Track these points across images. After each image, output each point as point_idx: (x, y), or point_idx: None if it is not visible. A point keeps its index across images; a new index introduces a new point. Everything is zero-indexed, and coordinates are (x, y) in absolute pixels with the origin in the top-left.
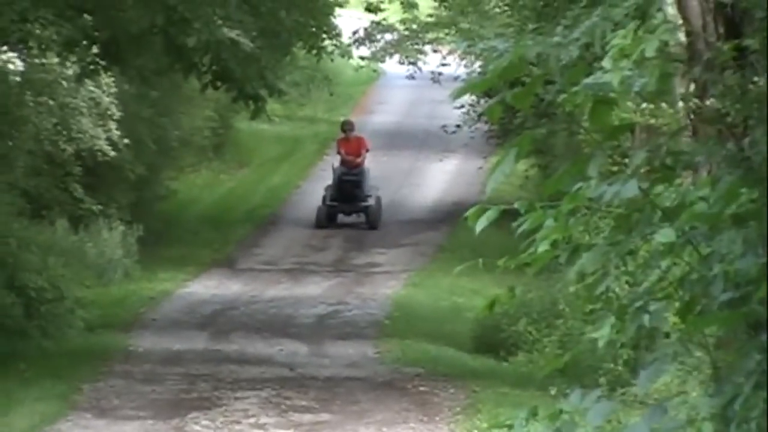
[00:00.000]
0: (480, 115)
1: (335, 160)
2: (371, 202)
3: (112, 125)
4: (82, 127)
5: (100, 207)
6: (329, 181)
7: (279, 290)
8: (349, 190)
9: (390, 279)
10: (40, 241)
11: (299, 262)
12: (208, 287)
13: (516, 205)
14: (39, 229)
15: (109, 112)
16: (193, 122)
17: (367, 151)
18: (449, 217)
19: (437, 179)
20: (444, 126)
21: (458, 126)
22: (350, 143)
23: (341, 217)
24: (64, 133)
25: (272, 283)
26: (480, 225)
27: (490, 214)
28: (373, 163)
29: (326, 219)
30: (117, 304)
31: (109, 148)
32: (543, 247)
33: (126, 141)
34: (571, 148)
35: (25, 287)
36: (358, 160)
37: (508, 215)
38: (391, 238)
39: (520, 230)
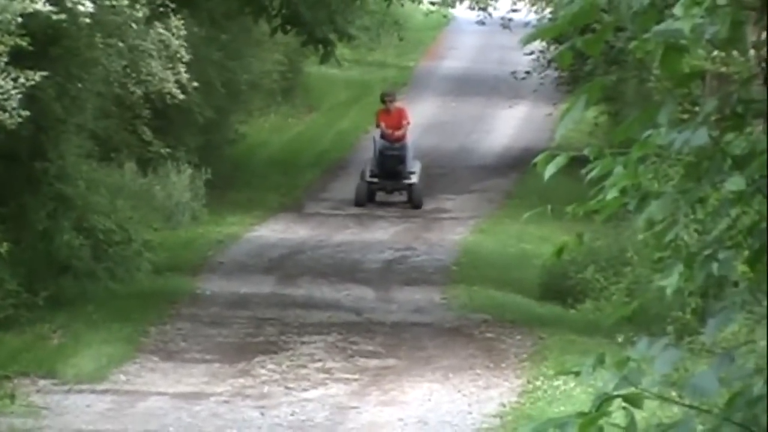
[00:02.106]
0: (550, 62)
1: (375, 133)
2: (415, 179)
3: (182, 68)
4: (152, 70)
5: (168, 150)
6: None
7: (346, 235)
8: (391, 165)
9: (458, 225)
10: (108, 183)
11: (367, 207)
12: (275, 231)
13: (585, 152)
14: (108, 172)
15: (178, 55)
16: (263, 66)
17: (408, 123)
18: (518, 163)
19: (506, 125)
20: (514, 72)
21: (528, 72)
22: (391, 116)
23: (381, 196)
24: (134, 75)
25: (339, 228)
26: (549, 171)
27: (559, 161)
28: (442, 109)
29: (365, 197)
30: (184, 247)
31: (178, 91)
32: (612, 194)
33: (195, 84)
34: (642, 96)
35: (93, 229)
36: (399, 133)
37: (577, 162)
38: (460, 183)
39: (589, 177)
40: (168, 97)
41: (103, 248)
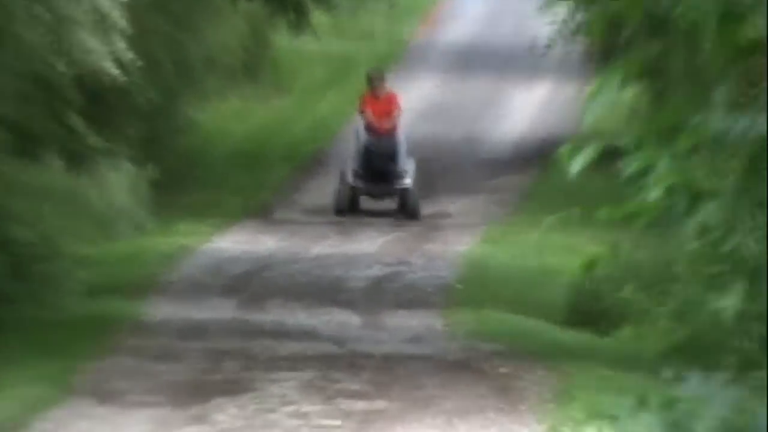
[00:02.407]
0: (577, 31)
1: (359, 124)
2: (409, 182)
3: (121, 42)
4: (84, 45)
5: (105, 143)
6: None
7: (325, 247)
8: (379, 165)
9: (463, 233)
10: (30, 185)
11: (349, 216)
12: (237, 243)
13: (621, 142)
14: (29, 171)
15: (117, 26)
16: (222, 39)
17: (400, 112)
18: (537, 156)
19: (523, 110)
20: (532, 44)
21: (550, 44)
22: (379, 102)
23: (367, 202)
24: (62, 51)
25: (317, 238)
26: (576, 166)
27: (589, 153)
28: (444, 89)
29: (347, 204)
30: (126, 264)
31: (117, 70)
32: (655, 193)
33: (138, 62)
34: (691, 73)
35: (12, 242)
36: (389, 124)
37: (612, 154)
38: (465, 182)
39: (626, 173)
40: (104, 77)
41: (25, 266)
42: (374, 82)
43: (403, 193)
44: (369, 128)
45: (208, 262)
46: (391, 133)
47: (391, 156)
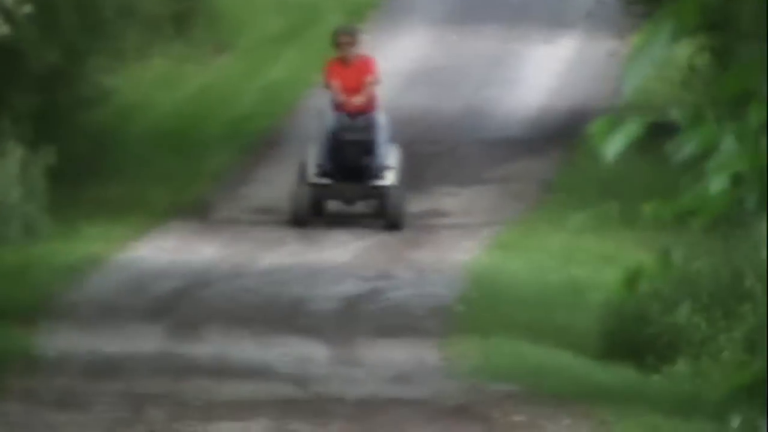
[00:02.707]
0: None
1: (321, 100)
2: (391, 179)
3: None
4: None
5: None
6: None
7: (282, 256)
8: (350, 157)
9: (464, 237)
10: None
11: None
12: (164, 251)
13: (673, 115)
14: None
15: None
16: None
17: (376, 82)
18: (562, 134)
19: (542, 73)
20: None
21: None
22: (349, 70)
23: (335, 206)
24: None
25: (271, 243)
26: (613, 147)
27: (630, 130)
28: (435, 46)
29: (309, 209)
30: (13, 279)
31: (2, 23)
32: (718, 183)
33: (27, 9)
34: (764, 22)
35: None
36: (362, 99)
37: (660, 132)
38: (466, 168)
39: (679, 156)
40: None
41: None
42: (342, 43)
43: (384, 194)
44: (336, 106)
45: (124, 276)
46: (366, 111)
47: (366, 144)
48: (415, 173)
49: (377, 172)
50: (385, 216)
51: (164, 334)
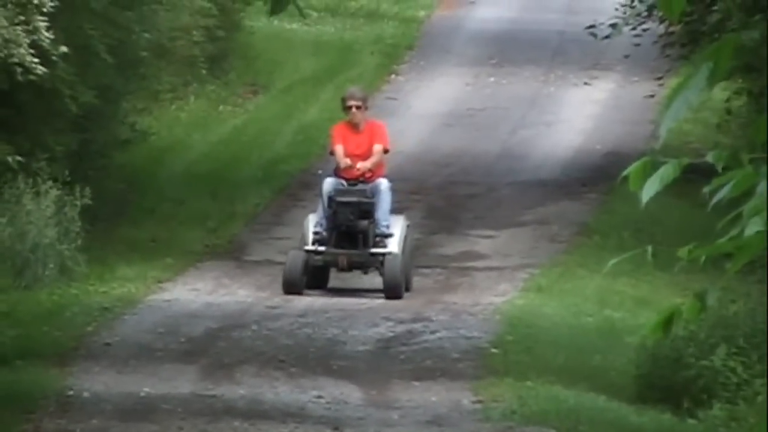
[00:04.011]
0: (651, 9)
1: (326, 165)
2: (393, 246)
3: (41, 23)
4: None
5: (19, 159)
6: (395, 118)
7: (316, 297)
8: (344, 221)
9: (500, 279)
10: None
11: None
12: (198, 292)
13: (709, 158)
14: None
15: (35, 1)
16: (177, 19)
17: (385, 150)
18: (598, 177)
19: (579, 114)
20: (591, 26)
21: (614, 26)
22: (358, 136)
23: (333, 275)
24: None
25: None
26: (649, 190)
27: (666, 173)
28: (472, 88)
29: (304, 276)
30: (47, 320)
31: (35, 60)
32: (755, 226)
33: (63, 49)
34: None
35: None
36: (367, 165)
37: (697, 175)
38: (503, 211)
39: (716, 199)
40: (18, 70)
41: None
42: (351, 107)
43: (384, 262)
44: (339, 172)
45: (158, 318)
46: (370, 179)
47: (362, 208)
48: (451, 215)
49: (376, 239)
50: (385, 285)
51: (198, 376)
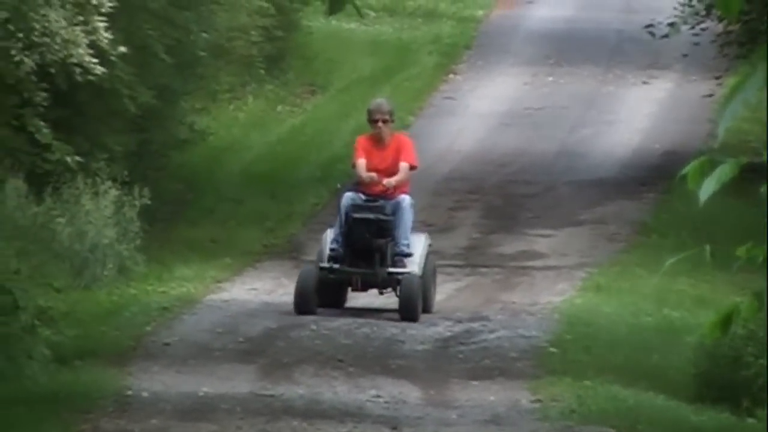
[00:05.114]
0: (709, 8)
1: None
2: (413, 266)
3: (100, 23)
4: (51, 27)
5: (78, 159)
6: (453, 117)
7: (374, 296)
8: (359, 238)
9: (558, 279)
10: None
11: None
12: (257, 292)
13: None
14: None
15: (94, 2)
16: (235, 19)
17: (413, 168)
18: (657, 176)
19: (638, 113)
20: (650, 26)
21: (673, 25)
22: (383, 150)
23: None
24: (20, 35)
25: None
26: (707, 189)
27: (724, 172)
28: (530, 87)
29: (317, 295)
30: (106, 320)
31: (94, 60)
32: None
33: (122, 49)
34: None
35: None
36: (390, 182)
37: (755, 173)
38: (561, 210)
39: None
40: (77, 71)
41: None
42: (376, 121)
43: (401, 282)
44: (359, 186)
45: (217, 317)
46: (390, 196)
47: (379, 225)
48: (509, 214)
49: (394, 258)
50: (402, 305)
51: (257, 376)
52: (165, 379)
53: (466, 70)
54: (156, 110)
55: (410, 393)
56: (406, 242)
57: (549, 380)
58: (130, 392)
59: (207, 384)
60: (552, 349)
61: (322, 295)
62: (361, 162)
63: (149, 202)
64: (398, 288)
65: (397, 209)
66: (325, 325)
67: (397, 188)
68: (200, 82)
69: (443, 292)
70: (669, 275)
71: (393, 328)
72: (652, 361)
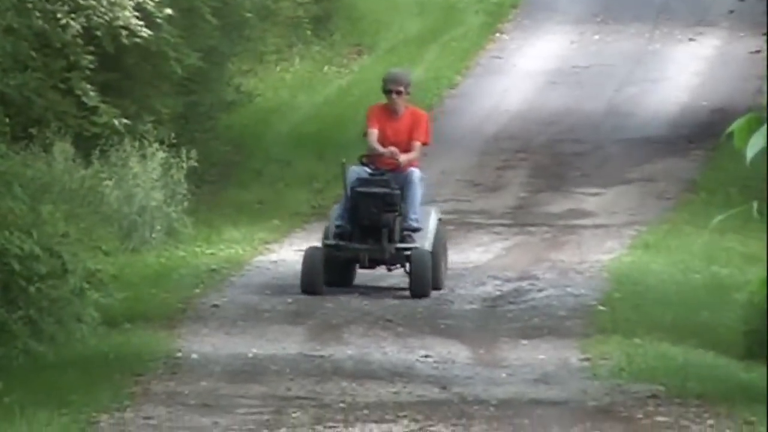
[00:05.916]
0: None
1: (355, 149)
2: (423, 241)
3: None
4: None
5: (125, 122)
6: (500, 77)
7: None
8: (366, 213)
9: (607, 237)
10: (27, 177)
11: (456, 209)
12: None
13: None
14: (26, 158)
15: None
16: None
17: (425, 144)
18: (705, 133)
19: (685, 71)
20: None
21: None
22: (396, 122)
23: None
24: None
25: None
26: (754, 146)
27: None
28: (577, 46)
29: (320, 274)
30: (155, 283)
31: (140, 23)
32: None
33: (168, 11)
34: None
35: (3, 253)
36: (402, 158)
37: None
38: (609, 169)
39: None
40: (123, 33)
41: (20, 286)
42: (391, 91)
43: (411, 258)
44: (367, 159)
45: (266, 279)
46: (399, 169)
47: (386, 199)
48: (557, 173)
49: (403, 234)
50: (411, 282)
51: (306, 337)
52: (214, 341)
53: (513, 29)
54: (203, 72)
55: (459, 353)
56: (414, 216)
57: (598, 339)
58: (179, 354)
59: (256, 345)
60: (601, 308)
61: (329, 273)
62: (373, 133)
63: (197, 165)
64: (407, 264)
65: (406, 183)
66: (374, 286)
67: (409, 162)
68: (247, 43)
69: (492, 252)
70: (717, 232)
71: (441, 288)
72: (702, 318)
